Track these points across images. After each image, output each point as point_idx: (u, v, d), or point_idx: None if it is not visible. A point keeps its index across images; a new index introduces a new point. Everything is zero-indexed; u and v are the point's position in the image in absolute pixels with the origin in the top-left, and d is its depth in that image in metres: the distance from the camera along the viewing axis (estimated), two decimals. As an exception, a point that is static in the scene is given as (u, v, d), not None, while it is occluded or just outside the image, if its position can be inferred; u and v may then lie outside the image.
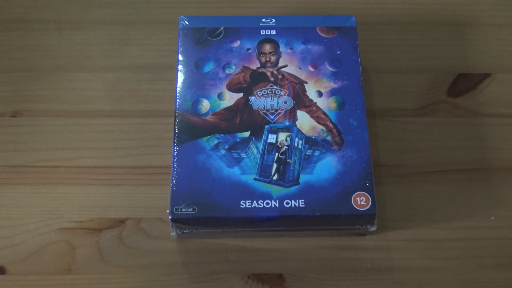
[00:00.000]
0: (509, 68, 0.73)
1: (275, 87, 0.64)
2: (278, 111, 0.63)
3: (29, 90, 0.71)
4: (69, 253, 0.62)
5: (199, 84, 0.64)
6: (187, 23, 0.68)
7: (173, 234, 0.60)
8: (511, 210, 0.65)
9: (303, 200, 0.58)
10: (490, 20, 0.77)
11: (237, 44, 0.67)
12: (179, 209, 0.58)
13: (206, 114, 0.63)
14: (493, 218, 0.64)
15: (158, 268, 0.62)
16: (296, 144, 0.61)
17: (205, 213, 0.58)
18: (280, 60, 0.66)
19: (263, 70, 0.65)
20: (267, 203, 0.58)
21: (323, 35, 0.68)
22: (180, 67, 0.65)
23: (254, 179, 0.59)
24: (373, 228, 0.60)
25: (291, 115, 0.63)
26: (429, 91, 0.71)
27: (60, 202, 0.65)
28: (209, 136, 0.62)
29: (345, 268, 0.62)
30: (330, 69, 0.66)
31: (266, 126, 0.62)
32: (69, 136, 0.68)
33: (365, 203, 0.58)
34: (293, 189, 0.59)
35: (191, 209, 0.58)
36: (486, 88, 0.72)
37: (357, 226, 0.60)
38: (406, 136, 0.69)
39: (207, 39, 0.67)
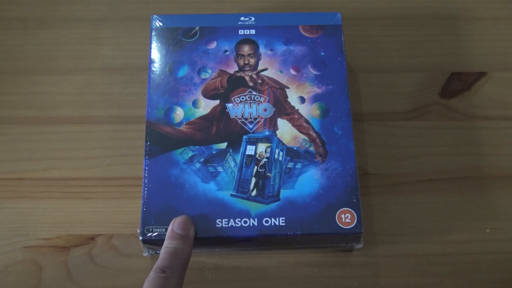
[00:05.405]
0: (506, 66, 0.69)
1: (254, 93, 0.60)
2: (258, 120, 0.59)
3: (-8, 95, 0.66)
4: (36, 273, 0.58)
5: (173, 90, 0.60)
6: (160, 23, 0.63)
7: (146, 254, 0.56)
8: (507, 221, 0.61)
9: (283, 218, 0.54)
10: (486, 13, 0.72)
11: (213, 45, 0.62)
12: (151, 229, 0.54)
13: (180, 123, 0.58)
14: (488, 230, 0.60)
15: (131, 289, 0.58)
16: (276, 156, 0.57)
17: (178, 234, 0.53)
18: (260, 62, 0.61)
19: (241, 74, 0.61)
20: (245, 222, 0.54)
21: (306, 34, 0.63)
22: (152, 72, 0.61)
23: (231, 195, 0.55)
24: (359, 246, 0.56)
25: (271, 123, 0.58)
26: (420, 92, 0.67)
27: (25, 218, 0.61)
28: (183, 148, 0.57)
29: (330, 286, 0.58)
30: (314, 72, 0.61)
31: (245, 137, 0.58)
32: (35, 145, 0.64)
33: (350, 221, 0.54)
34: (273, 205, 0.55)
35: (164, 229, 0.53)
36: (481, 88, 0.67)
37: (342, 244, 0.56)
38: (395, 142, 0.64)
39: (181, 40, 0.62)
